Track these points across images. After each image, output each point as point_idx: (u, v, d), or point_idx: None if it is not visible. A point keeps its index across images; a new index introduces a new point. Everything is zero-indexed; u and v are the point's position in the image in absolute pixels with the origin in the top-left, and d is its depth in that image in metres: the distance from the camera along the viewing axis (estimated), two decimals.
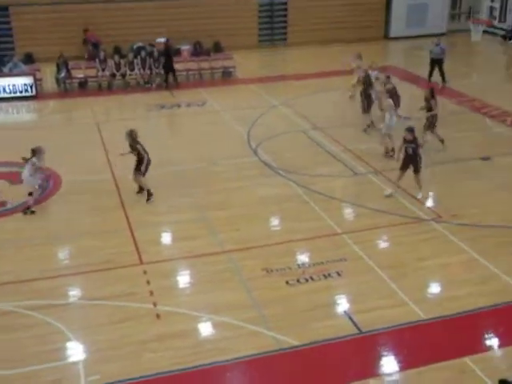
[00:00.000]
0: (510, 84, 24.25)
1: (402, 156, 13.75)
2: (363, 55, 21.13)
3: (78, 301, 10.49)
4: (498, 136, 17.90)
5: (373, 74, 18.49)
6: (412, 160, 13.63)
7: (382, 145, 16.07)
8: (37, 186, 13.59)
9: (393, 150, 15.63)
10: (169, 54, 23.22)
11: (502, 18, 31.50)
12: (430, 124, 16.06)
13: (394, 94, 16.88)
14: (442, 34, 32.36)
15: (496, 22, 30.99)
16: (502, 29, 31.24)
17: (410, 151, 13.56)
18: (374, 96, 17.70)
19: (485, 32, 30.52)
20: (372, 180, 14.96)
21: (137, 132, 13.78)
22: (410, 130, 13.54)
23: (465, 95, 21.55)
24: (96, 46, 25.96)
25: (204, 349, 9.17)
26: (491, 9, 31.65)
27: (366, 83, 17.90)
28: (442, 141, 16.25)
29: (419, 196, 13.83)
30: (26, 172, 13.28)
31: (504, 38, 30.93)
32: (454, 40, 31.75)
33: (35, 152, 13.23)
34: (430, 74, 22.27)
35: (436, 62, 21.95)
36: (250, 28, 27.88)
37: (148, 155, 13.78)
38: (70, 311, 10.20)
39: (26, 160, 13.26)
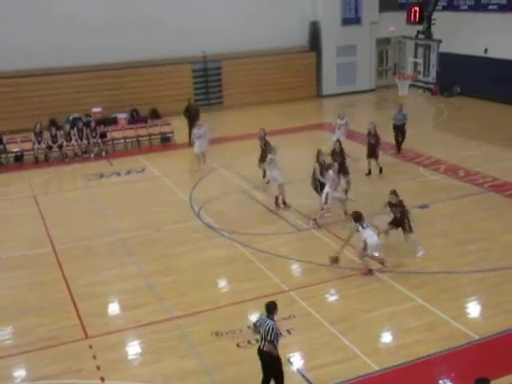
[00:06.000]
0: (439, 133, 25.22)
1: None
2: (298, 114, 21.62)
3: (21, 382, 10.03)
4: (433, 184, 18.47)
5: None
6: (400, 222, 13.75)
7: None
8: None
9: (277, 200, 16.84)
10: (190, 113, 24.00)
11: (426, 72, 33.01)
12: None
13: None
14: (372, 90, 33.72)
15: (421, 77, 32.41)
16: (426, 82, 32.67)
17: (398, 215, 13.72)
18: None
19: (412, 86, 31.85)
20: (315, 235, 15.10)
21: None
22: (394, 192, 13.80)
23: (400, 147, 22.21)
24: None
25: None
26: (415, 64, 33.12)
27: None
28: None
29: (420, 253, 13.69)
30: None
31: (426, 89, 32.36)
32: (384, 95, 33.04)
33: None
34: (397, 141, 21.90)
35: (399, 128, 21.85)
36: (186, 94, 28.22)
37: None
38: None
39: None
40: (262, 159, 18.30)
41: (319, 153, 16.03)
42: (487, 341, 10.50)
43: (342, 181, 16.93)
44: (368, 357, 10.10)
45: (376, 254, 12.97)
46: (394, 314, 11.44)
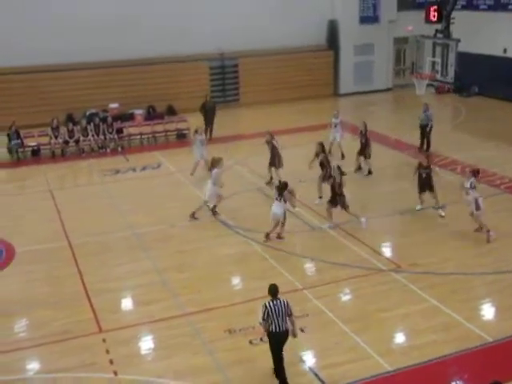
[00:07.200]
0: (457, 133, 25.04)
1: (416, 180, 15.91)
2: (314, 112, 21.57)
3: (35, 375, 10.13)
4: (450, 184, 18.31)
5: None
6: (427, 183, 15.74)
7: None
8: None
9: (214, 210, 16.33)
10: (206, 110, 24.06)
11: (444, 71, 32.77)
12: None
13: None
14: (389, 90, 33.55)
15: (439, 76, 32.17)
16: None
17: (424, 175, 15.68)
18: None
19: (429, 85, 31.64)
20: (330, 234, 15.07)
21: None
22: (426, 156, 16.22)
23: (415, 146, 22.11)
24: None
25: None
26: (433, 63, 32.89)
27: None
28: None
29: (443, 213, 15.79)
30: None
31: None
32: (401, 94, 32.86)
33: None
34: (422, 141, 21.92)
35: (422, 128, 21.71)
36: (203, 91, 28.23)
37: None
38: None
39: None
40: (272, 163, 18.39)
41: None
42: (501, 343, 10.42)
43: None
44: (381, 357, 10.07)
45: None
46: (407, 314, 11.40)
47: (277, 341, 9.31)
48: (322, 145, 17.20)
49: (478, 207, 14.28)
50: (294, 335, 9.57)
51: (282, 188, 14.50)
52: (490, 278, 12.67)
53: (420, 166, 15.92)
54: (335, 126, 21.03)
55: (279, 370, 9.45)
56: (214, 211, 16.32)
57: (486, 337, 10.56)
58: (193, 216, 16.12)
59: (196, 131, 19.98)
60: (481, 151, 21.42)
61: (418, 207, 16.14)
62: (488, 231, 14.32)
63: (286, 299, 9.35)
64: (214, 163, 16.18)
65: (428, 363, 9.93)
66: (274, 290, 9.32)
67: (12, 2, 26.48)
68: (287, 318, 9.25)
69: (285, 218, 14.70)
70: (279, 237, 14.73)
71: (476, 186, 14.43)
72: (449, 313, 11.30)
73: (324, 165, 17.01)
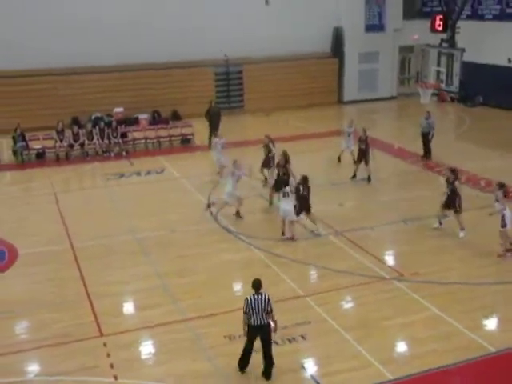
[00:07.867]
0: (461, 143, 25.03)
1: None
2: (318, 120, 21.57)
3: (35, 378, 10.11)
4: None
5: None
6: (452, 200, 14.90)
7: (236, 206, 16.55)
8: None
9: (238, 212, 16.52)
10: (210, 116, 24.13)
11: (449, 81, 32.79)
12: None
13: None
14: (393, 98, 33.58)
15: (443, 86, 32.19)
16: (449, 91, 32.44)
17: (449, 192, 14.90)
18: None
19: (434, 94, 31.66)
20: (332, 241, 15.04)
21: None
22: (452, 170, 15.16)
23: (418, 155, 22.09)
24: None
25: None
26: (438, 73, 32.91)
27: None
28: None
29: (462, 234, 14.91)
30: None
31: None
32: (405, 103, 32.88)
33: None
34: (425, 150, 21.87)
35: (423, 136, 21.67)
36: (208, 96, 28.29)
37: None
38: None
39: None
40: (264, 165, 18.53)
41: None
42: (504, 354, 10.36)
43: None
44: (382, 365, 10.03)
45: (290, 221, 14.94)
46: (409, 322, 11.35)
47: (253, 333, 9.57)
48: (285, 154, 16.95)
49: (503, 224, 13.69)
50: (275, 331, 9.79)
51: (284, 183, 15.26)
52: (493, 288, 12.63)
53: (447, 181, 15.19)
54: (348, 135, 20.85)
55: (243, 358, 9.76)
56: (209, 205, 16.87)
57: (488, 347, 10.51)
58: (238, 214, 16.46)
59: (216, 135, 20.46)
60: (485, 161, 21.39)
61: (435, 225, 15.44)
62: (508, 250, 13.87)
63: (268, 295, 9.56)
64: (234, 166, 16.64)
65: (429, 372, 9.88)
66: (257, 285, 9.57)
67: (18, 5, 26.60)
68: (266, 314, 9.46)
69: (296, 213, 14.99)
70: (293, 238, 14.96)
71: (500, 200, 13.76)
72: (451, 322, 11.26)
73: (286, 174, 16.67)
